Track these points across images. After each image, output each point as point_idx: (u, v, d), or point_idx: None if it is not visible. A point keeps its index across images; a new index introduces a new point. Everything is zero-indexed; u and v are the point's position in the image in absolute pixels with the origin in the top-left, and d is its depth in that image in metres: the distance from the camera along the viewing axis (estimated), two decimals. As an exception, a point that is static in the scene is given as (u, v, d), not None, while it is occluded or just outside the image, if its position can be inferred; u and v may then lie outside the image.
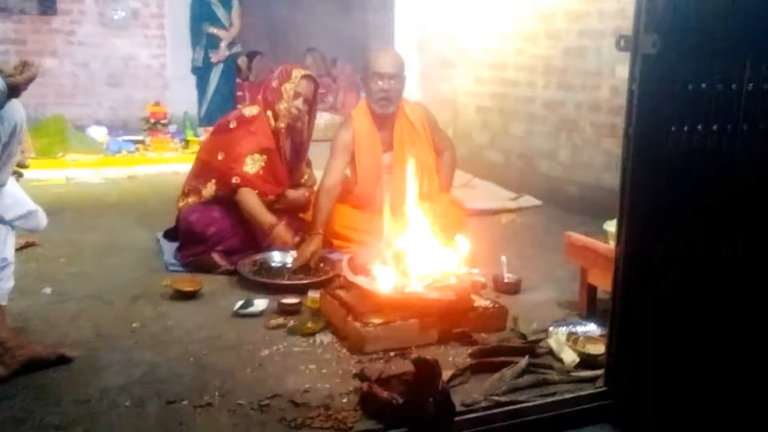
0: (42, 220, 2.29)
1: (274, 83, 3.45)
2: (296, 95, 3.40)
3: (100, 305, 2.84)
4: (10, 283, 2.19)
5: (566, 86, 4.80)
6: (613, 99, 4.36)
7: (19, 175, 2.40)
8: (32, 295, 2.88)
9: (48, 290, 2.95)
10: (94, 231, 3.92)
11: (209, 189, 3.37)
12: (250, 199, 3.29)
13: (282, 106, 3.40)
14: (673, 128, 1.98)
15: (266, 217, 3.29)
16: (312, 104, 3.53)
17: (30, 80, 1.99)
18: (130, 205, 4.60)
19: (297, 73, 3.42)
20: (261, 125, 3.42)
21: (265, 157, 3.38)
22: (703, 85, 1.99)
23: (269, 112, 3.43)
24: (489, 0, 5.51)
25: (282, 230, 3.27)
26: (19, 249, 3.36)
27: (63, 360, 2.27)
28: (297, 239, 3.47)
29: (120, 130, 7.02)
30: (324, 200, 3.41)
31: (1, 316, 2.18)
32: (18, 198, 2.20)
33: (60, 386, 2.15)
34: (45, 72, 7.72)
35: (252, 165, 3.34)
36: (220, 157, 3.39)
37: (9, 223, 2.19)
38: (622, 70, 3.75)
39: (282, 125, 3.42)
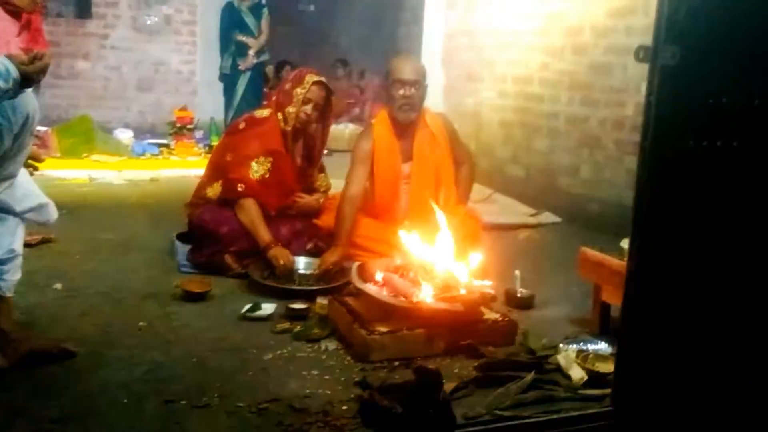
0: (53, 213, 2.29)
1: (287, 86, 3.46)
2: (306, 101, 3.40)
3: (110, 303, 2.84)
4: (17, 276, 2.20)
5: (590, 102, 4.74)
6: (637, 116, 4.29)
7: (33, 169, 2.42)
8: (42, 291, 2.89)
9: (58, 286, 2.97)
10: (112, 230, 3.95)
11: (215, 189, 3.38)
12: (249, 212, 3.27)
13: (291, 110, 3.40)
14: (690, 143, 1.93)
15: (263, 234, 3.25)
16: (324, 110, 3.52)
17: (42, 70, 2.00)
18: (149, 207, 4.63)
19: (309, 78, 3.42)
20: (270, 127, 3.43)
21: (271, 159, 3.37)
22: (724, 100, 1.94)
23: (280, 115, 3.43)
24: (516, 14, 5.49)
25: (278, 253, 3.20)
26: (36, 244, 3.42)
27: (66, 355, 2.28)
28: (310, 246, 3.47)
29: (147, 134, 7.11)
30: (347, 209, 3.38)
31: (6, 307, 2.19)
32: (29, 190, 2.21)
33: (60, 381, 2.15)
34: (77, 74, 7.87)
35: (257, 169, 3.34)
36: (228, 158, 3.40)
37: (20, 216, 2.20)
38: (646, 83, 3.69)
39: (290, 128, 3.42)
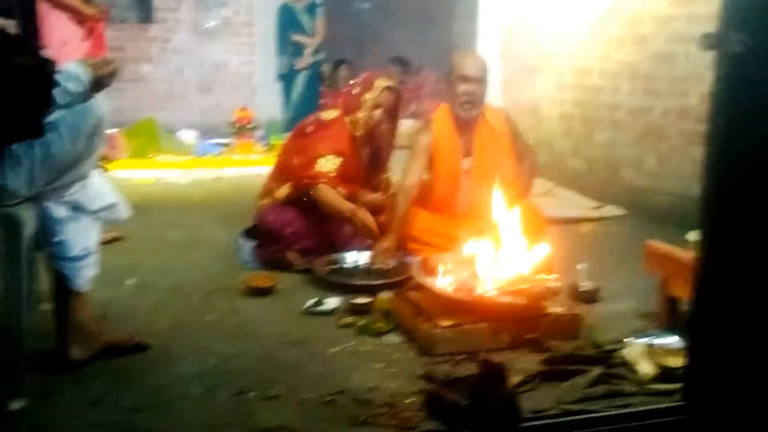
0: (123, 211, 2.37)
1: (356, 91, 3.48)
2: (376, 106, 3.42)
3: (179, 298, 2.93)
4: (93, 271, 2.28)
5: (653, 93, 4.64)
6: (702, 106, 4.17)
7: (103, 170, 2.51)
8: (116, 286, 3.00)
9: (131, 281, 3.07)
10: (179, 228, 4.06)
11: (282, 191, 3.44)
12: (327, 193, 3.32)
13: (361, 115, 3.42)
14: (760, 131, 1.88)
15: (346, 205, 3.31)
16: (394, 114, 3.54)
17: (113, 74, 2.08)
18: (214, 205, 4.74)
19: (379, 83, 3.44)
20: (338, 129, 3.46)
21: (340, 159, 3.41)
22: (795, 86, 1.88)
23: (348, 119, 3.46)
24: (574, 5, 5.40)
25: (364, 214, 3.27)
26: (107, 242, 3.52)
27: (140, 347, 2.36)
28: (371, 242, 3.49)
29: (209, 134, 7.25)
30: (401, 200, 3.41)
31: (83, 302, 2.27)
32: (101, 190, 2.28)
33: (135, 372, 2.23)
34: (141, 78, 8.09)
35: (325, 165, 3.38)
36: (295, 161, 3.45)
37: (93, 214, 2.28)
38: (712, 76, 3.59)
39: (359, 133, 3.44)
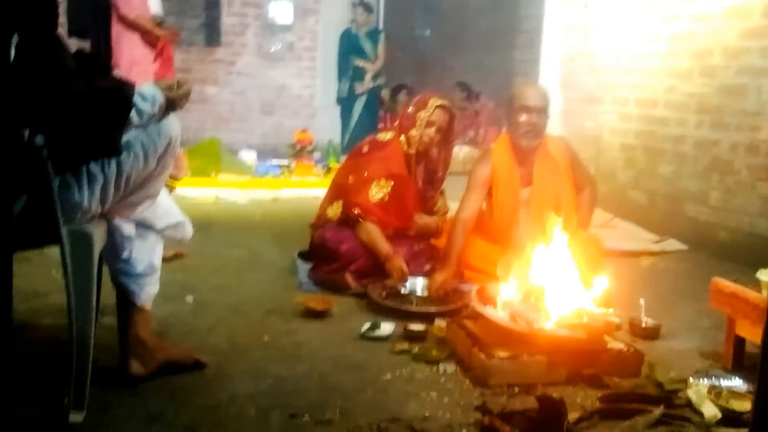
0: (188, 231, 2.42)
1: (411, 110, 3.52)
2: (429, 124, 3.44)
3: (237, 317, 2.96)
4: (156, 289, 2.33)
5: (721, 126, 4.53)
6: (773, 140, 4.07)
7: (171, 189, 2.57)
8: (176, 303, 3.05)
9: (190, 299, 3.12)
10: (238, 247, 4.12)
11: (335, 209, 3.47)
12: (369, 231, 3.34)
13: (414, 133, 3.45)
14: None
15: (383, 246, 3.31)
16: (447, 134, 3.55)
17: (185, 96, 2.14)
18: (272, 225, 4.80)
19: (433, 102, 3.47)
20: (393, 150, 3.49)
21: (392, 182, 3.43)
22: None
23: (403, 138, 3.49)
24: (639, 36, 5.34)
25: (398, 261, 3.26)
26: (168, 259, 3.59)
27: (197, 365, 2.39)
28: (428, 267, 3.48)
29: (269, 155, 7.38)
30: (458, 232, 3.40)
31: (145, 318, 2.31)
32: (168, 209, 2.34)
33: (192, 390, 2.25)
34: (206, 99, 8.30)
35: (377, 191, 3.40)
36: (350, 180, 3.49)
37: (159, 232, 2.33)
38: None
39: (413, 151, 3.46)
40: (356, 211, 3.37)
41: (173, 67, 5.21)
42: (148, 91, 2.05)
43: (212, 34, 8.60)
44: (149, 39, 4.89)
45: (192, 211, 4.75)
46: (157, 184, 2.21)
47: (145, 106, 2.03)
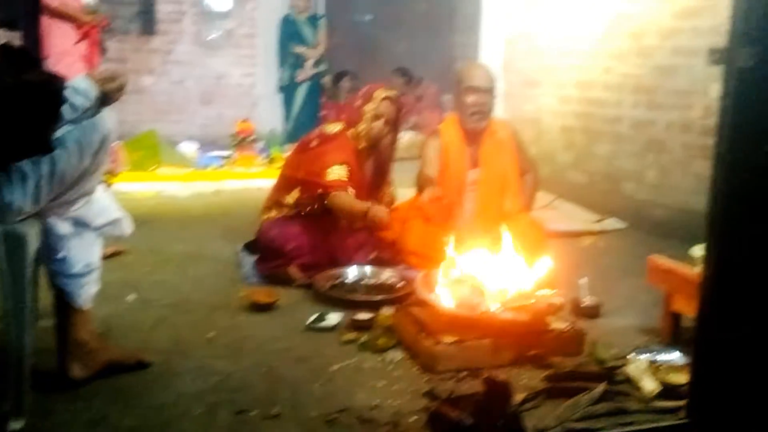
0: (127, 227, 2.36)
1: (357, 104, 3.50)
2: (377, 116, 3.43)
3: (180, 313, 2.91)
4: (95, 288, 2.27)
5: (656, 106, 4.64)
6: (705, 119, 4.18)
7: (108, 184, 2.50)
8: (117, 302, 2.98)
9: (132, 297, 3.06)
10: (180, 242, 4.05)
11: (293, 195, 3.45)
12: (340, 197, 3.34)
13: (362, 127, 3.43)
14: (766, 147, 1.87)
15: (360, 205, 3.32)
16: (394, 125, 3.54)
17: (120, 89, 2.08)
18: (215, 218, 4.73)
19: (379, 94, 3.46)
20: (342, 142, 3.47)
21: (347, 167, 3.41)
22: (804, 101, 1.87)
23: (351, 132, 3.47)
24: (577, 18, 5.42)
25: (378, 210, 3.29)
26: (108, 257, 3.50)
27: (141, 365, 2.35)
28: (373, 255, 3.48)
29: (210, 146, 7.25)
30: (424, 182, 3.45)
31: (85, 319, 2.26)
32: (106, 205, 2.27)
33: (136, 390, 2.22)
34: (142, 89, 8.10)
35: (336, 173, 3.38)
36: (302, 175, 3.46)
37: (97, 230, 2.27)
38: (715, 89, 3.58)
39: (362, 145, 3.45)
40: (321, 190, 3.35)
41: (98, 53, 5.02)
42: (81, 85, 1.99)
43: (147, 23, 8.37)
44: (77, 27, 4.72)
45: (131, 206, 4.63)
46: (92, 181, 2.15)
47: (78, 100, 1.97)
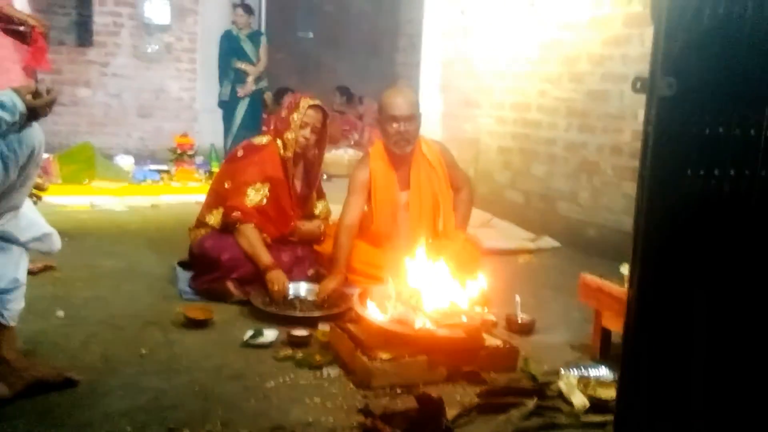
0: (56, 242, 2.30)
1: (284, 113, 3.52)
2: (303, 125, 3.44)
3: (111, 330, 2.84)
4: (21, 305, 2.21)
5: (588, 129, 4.79)
6: (634, 142, 4.34)
7: (37, 199, 2.44)
8: (45, 318, 2.90)
9: (61, 313, 2.97)
10: (113, 257, 3.96)
11: (215, 216, 3.42)
12: (248, 237, 3.29)
13: (290, 136, 3.43)
14: (688, 172, 1.95)
15: (264, 257, 3.26)
16: (321, 134, 3.55)
17: (50, 104, 2.03)
18: (151, 233, 4.64)
19: (305, 102, 3.47)
20: (269, 154, 3.46)
21: (268, 185, 3.40)
22: (721, 130, 1.96)
23: (279, 141, 3.47)
24: (514, 42, 5.56)
25: (274, 276, 3.21)
26: (37, 272, 3.42)
27: (69, 383, 2.28)
28: (311, 272, 3.48)
29: (148, 160, 7.14)
30: (343, 238, 3.41)
31: (10, 336, 2.19)
32: (33, 220, 2.22)
33: (63, 409, 2.15)
34: (78, 101, 7.92)
35: (254, 195, 3.37)
36: (227, 185, 3.45)
37: (24, 245, 2.21)
38: (644, 114, 3.73)
39: (290, 154, 3.45)
40: (236, 215, 3.32)
41: (46, 59, 4.88)
42: (6, 99, 1.94)
43: (84, 34, 8.24)
44: (14, 36, 4.59)
45: (64, 220, 4.53)
46: (20, 196, 2.10)
47: (4, 115, 1.92)
